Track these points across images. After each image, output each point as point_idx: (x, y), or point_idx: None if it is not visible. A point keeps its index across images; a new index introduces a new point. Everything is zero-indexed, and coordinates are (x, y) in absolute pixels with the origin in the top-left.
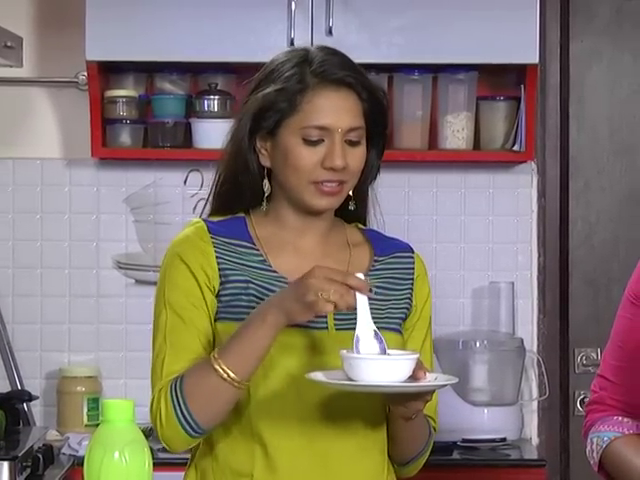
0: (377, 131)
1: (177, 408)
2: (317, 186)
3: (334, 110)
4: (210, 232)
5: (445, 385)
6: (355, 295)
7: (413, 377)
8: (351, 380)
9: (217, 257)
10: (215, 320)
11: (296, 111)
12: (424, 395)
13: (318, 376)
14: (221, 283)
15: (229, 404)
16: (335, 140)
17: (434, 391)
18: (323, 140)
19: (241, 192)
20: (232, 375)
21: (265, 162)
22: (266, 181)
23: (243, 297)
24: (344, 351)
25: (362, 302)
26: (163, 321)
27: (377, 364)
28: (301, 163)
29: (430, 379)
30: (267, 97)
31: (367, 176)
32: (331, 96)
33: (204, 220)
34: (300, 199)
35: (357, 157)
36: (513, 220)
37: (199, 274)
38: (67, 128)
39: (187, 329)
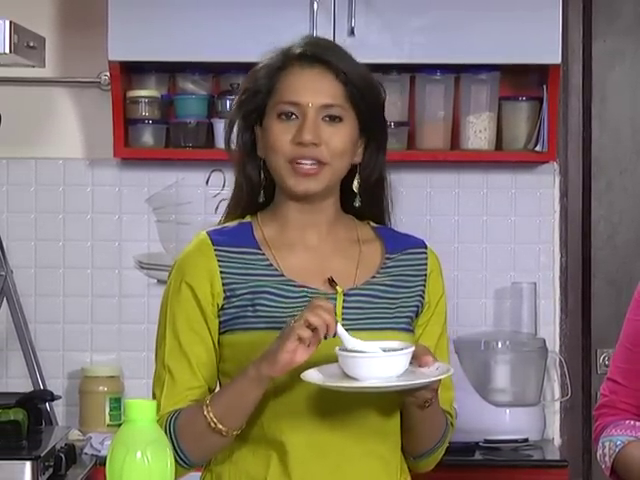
0: (369, 119)
1: (170, 443)
2: (292, 166)
3: (307, 86)
4: (213, 244)
5: (438, 379)
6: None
7: (419, 363)
8: (347, 376)
9: (221, 272)
10: (221, 333)
11: (274, 91)
12: (430, 384)
13: (313, 376)
14: (226, 297)
15: (218, 447)
16: (306, 115)
17: (438, 381)
18: (297, 117)
19: (242, 187)
20: (219, 426)
21: (260, 152)
22: (261, 171)
23: (249, 308)
24: (338, 348)
25: (339, 327)
26: (163, 342)
27: (371, 361)
28: (276, 141)
29: (432, 369)
30: (249, 79)
31: (370, 171)
32: (304, 73)
33: (208, 232)
34: (281, 182)
35: (337, 135)
36: (535, 220)
37: (203, 297)
38: (89, 128)
39: (185, 358)
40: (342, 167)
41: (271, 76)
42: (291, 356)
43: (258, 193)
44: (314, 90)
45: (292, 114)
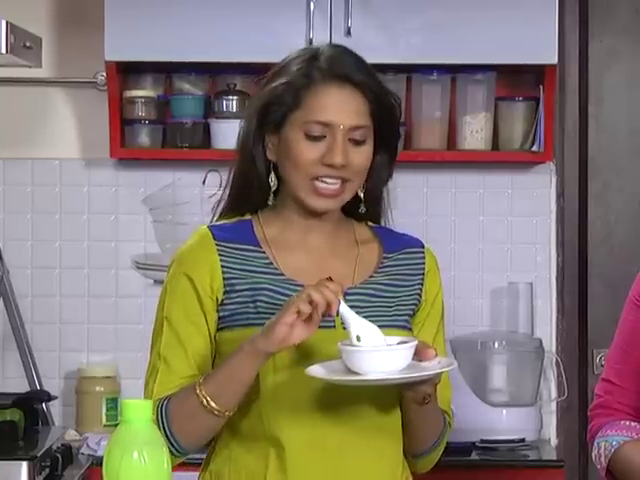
0: (387, 134)
1: (161, 428)
2: (314, 183)
3: (337, 107)
4: (215, 239)
5: (442, 372)
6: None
7: (420, 357)
8: (350, 371)
9: (222, 266)
10: (220, 329)
11: (300, 106)
12: (431, 379)
13: (317, 371)
14: (226, 292)
15: (210, 429)
16: (337, 137)
17: (440, 375)
18: (325, 136)
19: (249, 187)
20: (212, 404)
21: (271, 156)
22: (272, 175)
23: (250, 304)
24: (341, 343)
25: (343, 307)
26: (160, 334)
27: (375, 355)
28: (301, 158)
29: (434, 363)
30: (273, 91)
31: (377, 179)
32: (335, 92)
33: (209, 227)
34: (299, 197)
35: (361, 156)
36: (532, 221)
37: (202, 289)
38: (86, 128)
39: (181, 347)
40: (361, 182)
41: (297, 89)
42: (287, 330)
43: (268, 195)
44: (344, 111)
45: (320, 134)
